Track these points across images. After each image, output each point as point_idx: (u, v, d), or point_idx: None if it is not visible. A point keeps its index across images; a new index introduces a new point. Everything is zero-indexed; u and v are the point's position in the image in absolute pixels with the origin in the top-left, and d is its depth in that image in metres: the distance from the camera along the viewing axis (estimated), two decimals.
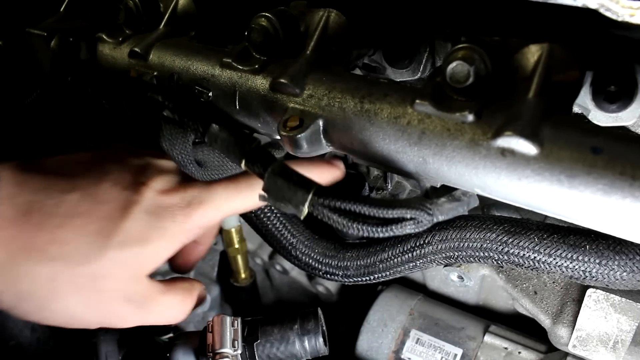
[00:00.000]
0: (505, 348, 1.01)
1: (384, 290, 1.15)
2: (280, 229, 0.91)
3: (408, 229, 0.65)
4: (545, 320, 0.93)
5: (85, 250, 0.72)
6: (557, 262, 0.70)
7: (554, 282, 0.96)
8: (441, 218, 0.67)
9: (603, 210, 0.54)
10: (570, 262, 0.69)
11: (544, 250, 0.71)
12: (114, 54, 0.94)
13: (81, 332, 0.88)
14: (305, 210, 0.63)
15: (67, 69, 0.93)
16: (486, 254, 0.76)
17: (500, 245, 0.74)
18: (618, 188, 0.52)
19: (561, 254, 0.70)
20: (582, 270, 0.69)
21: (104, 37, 0.95)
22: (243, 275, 1.36)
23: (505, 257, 0.74)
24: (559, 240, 0.71)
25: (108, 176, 0.77)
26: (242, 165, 0.67)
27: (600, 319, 0.82)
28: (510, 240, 0.73)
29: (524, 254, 0.73)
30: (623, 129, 0.75)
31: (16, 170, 0.74)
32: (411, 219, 0.64)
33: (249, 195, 0.80)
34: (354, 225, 0.64)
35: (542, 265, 0.72)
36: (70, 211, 0.72)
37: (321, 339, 0.81)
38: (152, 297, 0.78)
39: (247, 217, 0.92)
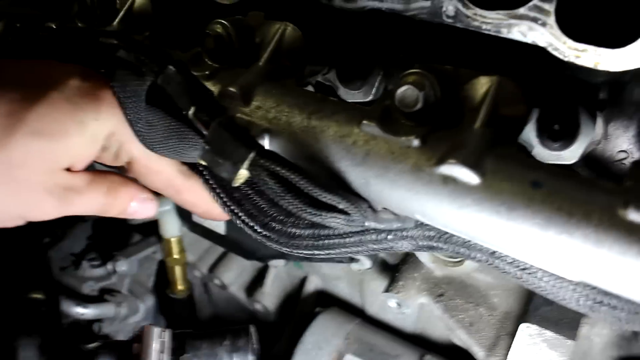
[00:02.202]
0: None
1: (322, 312, 1.14)
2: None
3: (336, 222, 0.64)
4: (478, 352, 0.93)
5: None
6: None
7: (489, 315, 0.97)
8: (372, 225, 0.65)
9: (539, 244, 0.54)
10: None
11: None
12: None
13: None
14: (243, 169, 0.61)
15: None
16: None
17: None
18: (554, 223, 0.52)
19: None
20: None
21: (54, 27, 0.92)
22: (180, 287, 1.33)
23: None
24: None
25: (24, 63, 0.72)
26: (191, 111, 0.64)
27: (532, 353, 0.83)
28: None
29: None
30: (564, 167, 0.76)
31: None
32: (343, 211, 0.63)
33: None
34: (287, 197, 0.62)
35: None
36: None
37: (251, 358, 0.79)
38: (75, 189, 0.72)
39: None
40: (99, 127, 0.70)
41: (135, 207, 0.78)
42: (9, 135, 0.65)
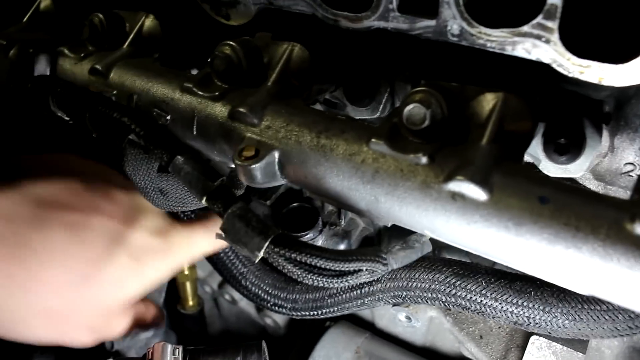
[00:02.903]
0: None
1: (332, 326, 1.14)
2: (231, 257, 0.90)
3: (363, 278, 0.67)
4: None
5: (63, 291, 0.73)
6: (502, 307, 0.70)
7: (499, 328, 0.97)
8: (395, 266, 0.68)
9: (547, 259, 0.54)
10: (516, 308, 0.70)
11: (491, 294, 0.71)
12: (74, 69, 0.92)
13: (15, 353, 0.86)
14: (260, 255, 0.64)
15: (26, 78, 0.91)
16: (434, 295, 0.75)
17: (448, 287, 0.73)
18: (562, 238, 0.53)
19: (507, 298, 0.70)
20: (527, 317, 0.69)
21: (66, 51, 0.94)
22: (191, 303, 1.34)
23: (453, 300, 0.73)
24: (505, 285, 0.71)
25: (98, 213, 0.77)
26: (203, 201, 0.67)
27: None
28: (459, 282, 0.73)
29: (471, 297, 0.72)
30: (571, 180, 0.77)
31: (2, 195, 0.72)
32: (366, 270, 0.65)
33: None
34: (309, 277, 0.65)
35: (487, 310, 0.72)
36: (57, 250, 0.72)
37: None
38: (111, 325, 0.81)
39: None
40: (157, 274, 0.80)
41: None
42: (76, 292, 0.73)
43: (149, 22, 0.93)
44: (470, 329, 0.98)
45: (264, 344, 0.82)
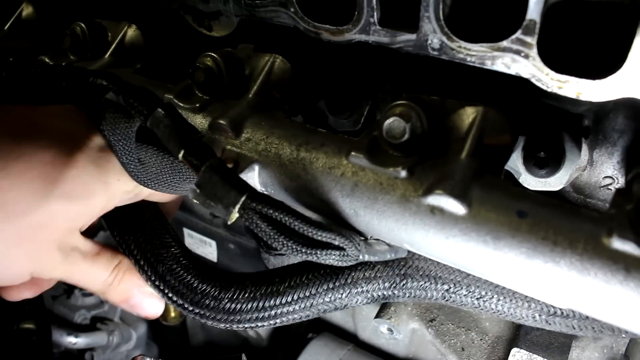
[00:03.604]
0: None
1: (314, 338, 1.13)
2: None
3: (332, 258, 0.64)
4: None
5: (27, 198, 0.65)
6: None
7: (481, 340, 0.97)
8: (367, 258, 0.66)
9: (526, 273, 0.55)
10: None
11: None
12: None
13: None
14: (235, 212, 0.61)
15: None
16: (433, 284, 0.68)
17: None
18: (540, 252, 0.53)
19: None
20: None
21: (47, 60, 0.93)
22: (173, 314, 1.33)
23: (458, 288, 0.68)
24: None
25: (46, 113, 0.70)
26: (180, 155, 0.64)
27: None
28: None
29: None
30: (551, 194, 0.77)
31: None
32: (339, 247, 0.63)
33: None
34: (280, 239, 0.62)
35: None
36: (9, 154, 0.65)
37: None
38: (82, 252, 0.72)
39: None
40: (121, 186, 0.71)
41: (139, 298, 0.76)
42: (40, 199, 0.65)
43: (131, 32, 0.93)
44: (452, 341, 0.98)
45: (244, 357, 0.82)
